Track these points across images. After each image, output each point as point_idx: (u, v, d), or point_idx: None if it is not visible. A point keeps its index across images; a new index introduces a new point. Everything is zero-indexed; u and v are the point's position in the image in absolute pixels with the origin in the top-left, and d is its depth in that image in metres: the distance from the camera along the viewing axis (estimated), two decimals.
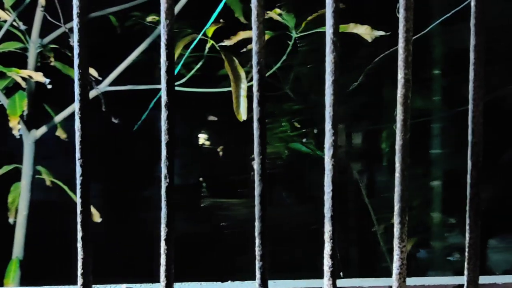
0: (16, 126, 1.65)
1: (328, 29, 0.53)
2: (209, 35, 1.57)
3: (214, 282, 0.58)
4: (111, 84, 1.80)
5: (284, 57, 1.79)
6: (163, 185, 0.48)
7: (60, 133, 1.95)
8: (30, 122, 1.91)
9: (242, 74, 1.44)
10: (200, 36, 1.46)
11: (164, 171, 0.47)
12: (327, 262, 0.52)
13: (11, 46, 1.90)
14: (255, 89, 0.50)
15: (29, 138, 1.84)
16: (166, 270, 0.48)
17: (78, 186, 0.45)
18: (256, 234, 0.52)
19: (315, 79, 3.54)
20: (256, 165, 0.51)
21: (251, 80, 1.58)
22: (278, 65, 1.79)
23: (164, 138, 0.49)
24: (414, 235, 3.79)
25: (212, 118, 6.75)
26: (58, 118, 1.81)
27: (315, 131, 3.35)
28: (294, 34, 1.76)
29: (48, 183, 2.05)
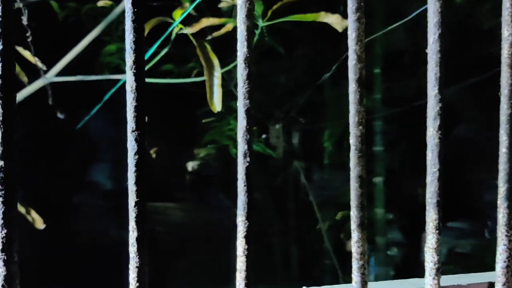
0: None
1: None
2: (176, 19, 1.45)
3: None
4: (59, 75, 1.63)
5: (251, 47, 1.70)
6: (241, 164, 0.38)
7: None
8: None
9: (216, 61, 1.34)
10: (176, 23, 1.34)
11: (243, 148, 0.37)
12: (431, 258, 0.44)
13: None
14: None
15: None
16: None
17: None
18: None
19: (259, 76, 3.49)
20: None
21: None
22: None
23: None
24: None
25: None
26: None
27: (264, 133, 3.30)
28: (260, 23, 1.69)
29: None
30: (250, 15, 0.37)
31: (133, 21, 0.35)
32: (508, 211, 0.50)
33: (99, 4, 1.75)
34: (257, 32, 1.68)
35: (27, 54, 1.64)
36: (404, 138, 4.09)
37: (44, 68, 1.67)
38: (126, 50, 0.36)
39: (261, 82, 3.53)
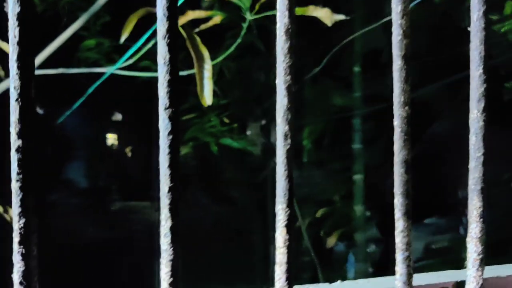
0: None
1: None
2: None
3: None
4: (40, 67, 1.56)
5: (239, 40, 1.67)
6: (281, 147, 0.35)
7: None
8: None
9: (206, 53, 1.30)
10: None
11: (284, 128, 0.34)
12: (475, 248, 0.42)
13: None
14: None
15: None
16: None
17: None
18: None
19: (238, 73, 3.46)
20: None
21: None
22: (232, 49, 1.67)
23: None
24: (337, 229, 3.87)
25: (117, 117, 6.39)
26: None
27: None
28: (248, 17, 1.66)
29: None
30: None
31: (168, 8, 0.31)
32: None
33: None
34: (245, 25, 1.65)
35: (4, 45, 1.57)
36: (383, 135, 4.12)
37: None
38: (157, 17, 0.32)
39: (240, 78, 3.50)
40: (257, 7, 1.62)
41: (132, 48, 1.39)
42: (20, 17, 0.29)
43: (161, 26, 0.31)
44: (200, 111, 2.97)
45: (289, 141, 0.32)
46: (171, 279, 0.30)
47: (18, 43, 0.28)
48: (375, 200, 4.27)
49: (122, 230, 5.21)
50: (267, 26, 3.47)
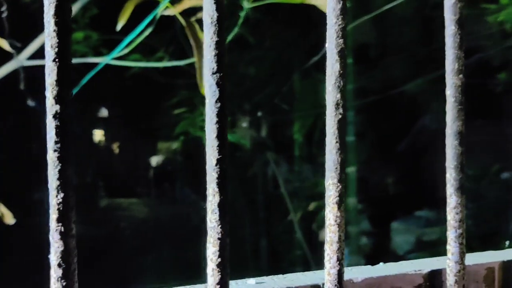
0: None
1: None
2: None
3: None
4: (31, 58, 1.51)
5: (237, 30, 1.64)
6: (332, 116, 0.32)
7: None
8: None
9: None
10: (165, 3, 1.25)
11: (336, 96, 0.31)
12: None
13: None
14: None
15: None
16: (338, 250, 0.32)
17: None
18: (450, 198, 0.38)
19: (228, 67, 3.42)
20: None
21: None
22: (229, 38, 1.64)
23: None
24: None
25: (103, 113, 6.30)
26: None
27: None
28: (245, 5, 1.62)
29: None
30: None
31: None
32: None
33: None
34: (242, 14, 1.62)
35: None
36: (374, 129, 4.13)
37: (12, 51, 1.55)
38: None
39: (231, 72, 3.46)
40: None
41: (127, 37, 1.35)
42: None
43: None
44: (191, 105, 2.93)
45: (340, 110, 0.30)
46: (219, 259, 0.28)
47: None
48: (367, 193, 4.27)
49: (110, 226, 5.16)
50: (257, 19, 3.44)
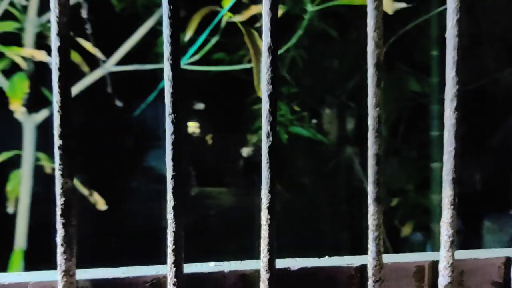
0: (18, 108, 1.55)
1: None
2: (224, 7, 1.49)
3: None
4: (117, 64, 1.71)
5: (300, 33, 1.72)
6: (266, 145, 0.41)
7: None
8: (30, 106, 1.81)
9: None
10: (224, 11, 1.37)
11: (266, 129, 0.40)
12: (446, 232, 0.46)
13: (8, 27, 1.79)
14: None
15: (30, 123, 1.74)
16: (268, 243, 0.42)
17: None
18: (370, 201, 0.46)
19: (310, 61, 3.47)
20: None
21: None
22: (294, 41, 1.72)
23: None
24: (412, 218, 3.79)
25: (199, 106, 6.63)
26: None
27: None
28: (309, 8, 1.69)
29: (48, 170, 1.95)
30: None
31: (169, 18, 0.39)
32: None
33: None
34: (307, 17, 1.69)
35: (87, 45, 1.74)
36: (464, 122, 3.95)
37: (103, 58, 1.76)
38: (164, 42, 0.39)
39: (312, 67, 3.51)
40: None
41: (195, 44, 1.49)
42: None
43: (166, 50, 0.38)
44: None
45: None
46: (174, 246, 0.37)
47: None
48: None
49: (199, 214, 5.47)
50: (339, 13, 3.45)
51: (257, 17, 1.73)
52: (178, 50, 0.40)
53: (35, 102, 1.86)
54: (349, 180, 4.04)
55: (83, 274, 0.42)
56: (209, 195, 6.05)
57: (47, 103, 1.86)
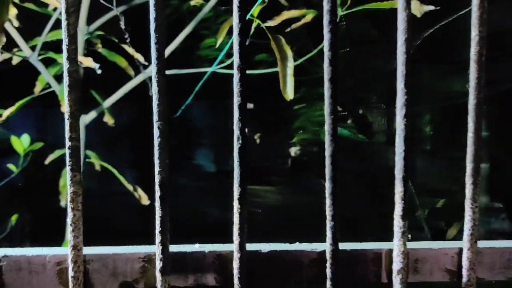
0: None
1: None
2: (255, 15, 1.57)
3: (284, 244, 0.59)
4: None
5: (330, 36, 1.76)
6: (236, 146, 0.49)
7: (108, 119, 1.99)
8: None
9: (289, 52, 1.44)
10: (249, 15, 1.46)
11: (236, 132, 0.48)
12: (398, 223, 0.52)
13: (59, 35, 1.95)
14: (326, 48, 0.50)
15: (80, 123, 1.89)
16: (239, 228, 0.49)
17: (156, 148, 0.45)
18: (327, 194, 0.52)
19: (350, 62, 3.49)
20: (327, 125, 0.51)
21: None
22: (320, 47, 1.78)
23: (236, 100, 0.50)
24: (458, 220, 3.73)
25: (248, 105, 6.74)
26: (107, 103, 1.85)
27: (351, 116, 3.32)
28: (340, 12, 1.74)
29: (97, 167, 2.10)
30: None
31: (155, 31, 0.47)
32: (473, 187, 0.55)
33: (191, 3, 1.92)
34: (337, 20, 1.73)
35: (131, 50, 1.87)
36: (509, 121, 3.84)
37: (145, 63, 1.89)
38: (151, 50, 0.48)
39: (353, 67, 3.53)
40: (349, 1, 1.71)
41: (224, 49, 1.58)
42: None
43: (153, 58, 0.46)
44: (310, 101, 3.10)
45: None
46: (160, 229, 0.46)
47: None
48: (501, 191, 3.99)
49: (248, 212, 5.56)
50: (380, 14, 3.44)
51: (290, 21, 1.80)
52: (164, 63, 0.48)
53: (84, 104, 2.02)
54: (391, 179, 4.01)
55: (90, 250, 0.52)
56: (256, 194, 6.15)
57: (96, 105, 2.01)
